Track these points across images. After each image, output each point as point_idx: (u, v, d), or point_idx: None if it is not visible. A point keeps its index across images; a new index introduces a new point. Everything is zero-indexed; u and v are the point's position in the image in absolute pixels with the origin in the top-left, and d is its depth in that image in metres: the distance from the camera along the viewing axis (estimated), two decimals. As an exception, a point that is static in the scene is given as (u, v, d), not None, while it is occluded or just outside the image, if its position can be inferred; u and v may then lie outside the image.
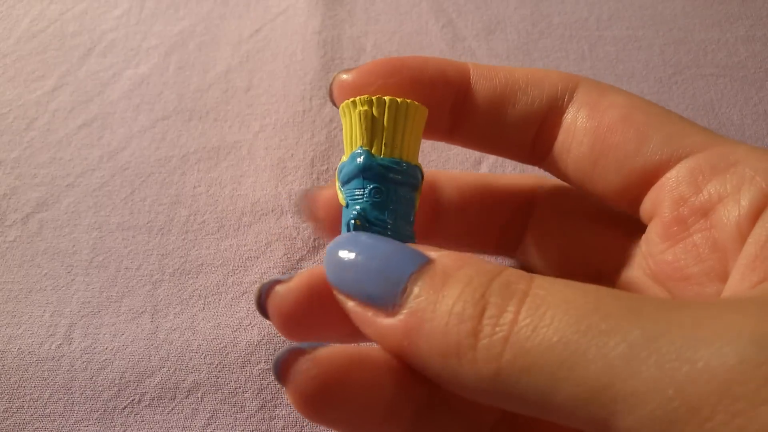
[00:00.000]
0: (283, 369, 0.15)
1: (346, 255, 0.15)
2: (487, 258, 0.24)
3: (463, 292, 0.14)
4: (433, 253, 0.15)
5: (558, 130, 0.19)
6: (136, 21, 0.38)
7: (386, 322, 0.14)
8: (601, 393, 0.11)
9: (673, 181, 0.17)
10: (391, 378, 0.15)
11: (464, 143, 0.21)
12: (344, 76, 0.19)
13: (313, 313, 0.16)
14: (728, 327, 0.11)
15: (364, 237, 0.16)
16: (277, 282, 0.17)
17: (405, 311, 0.14)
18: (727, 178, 0.16)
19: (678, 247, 0.17)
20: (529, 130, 0.19)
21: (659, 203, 0.17)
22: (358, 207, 0.17)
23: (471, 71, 0.20)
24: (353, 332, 0.16)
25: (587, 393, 0.11)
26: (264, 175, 0.32)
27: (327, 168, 0.32)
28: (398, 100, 0.18)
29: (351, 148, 0.18)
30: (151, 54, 0.37)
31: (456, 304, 0.13)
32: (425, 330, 0.14)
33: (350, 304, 0.15)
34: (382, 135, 0.18)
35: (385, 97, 0.18)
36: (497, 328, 0.13)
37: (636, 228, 0.19)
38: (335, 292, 0.16)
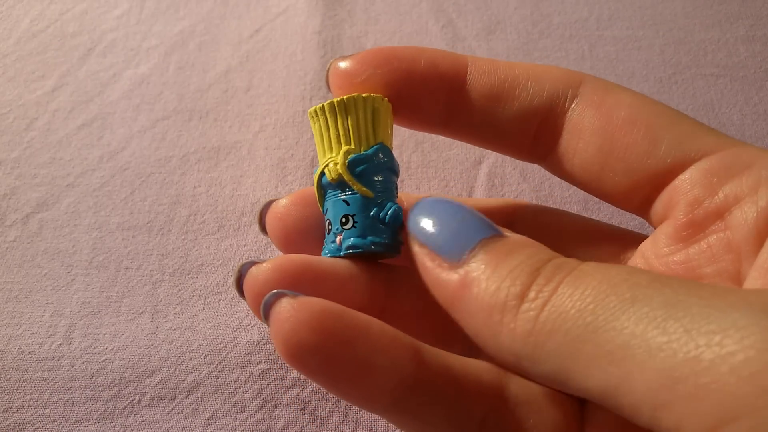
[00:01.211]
0: (266, 309, 0.16)
1: (428, 212, 0.17)
2: None
3: (522, 262, 0.15)
4: (507, 232, 0.16)
5: (561, 128, 0.19)
6: (136, 21, 0.38)
7: (448, 273, 0.16)
8: (617, 353, 0.12)
9: (687, 183, 0.17)
10: (372, 338, 0.16)
11: (460, 137, 0.21)
12: (340, 64, 0.20)
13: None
14: (742, 299, 0.12)
15: (447, 201, 0.17)
16: (254, 263, 0.18)
17: (467, 267, 0.15)
18: (743, 180, 0.16)
19: (691, 248, 0.17)
20: (528, 127, 0.19)
21: (673, 206, 0.17)
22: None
23: (469, 65, 0.19)
24: None
25: (605, 354, 0.12)
26: (264, 175, 0.32)
27: (327, 168, 0.32)
28: (343, 99, 0.18)
29: (323, 151, 0.19)
30: (151, 54, 0.37)
31: (513, 270, 0.15)
32: (480, 287, 0.15)
33: (419, 251, 0.16)
34: (331, 138, 0.19)
35: (344, 98, 0.18)
36: (540, 294, 0.14)
37: (629, 240, 0.19)
38: (411, 241, 0.17)
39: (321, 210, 0.19)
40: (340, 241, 0.18)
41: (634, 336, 0.12)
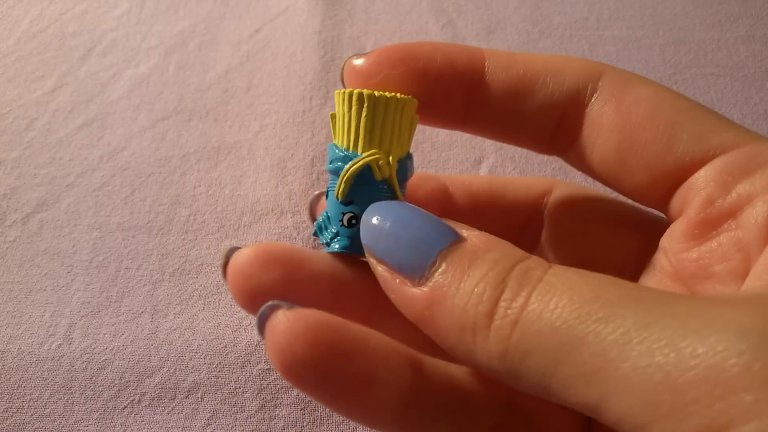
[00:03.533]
0: (261, 322, 0.15)
1: (381, 222, 0.16)
2: None
3: (486, 274, 0.14)
4: (465, 231, 0.16)
5: (581, 122, 0.18)
6: (136, 21, 0.38)
7: (412, 291, 0.15)
8: (595, 375, 0.12)
9: (702, 181, 0.16)
10: (371, 350, 0.15)
11: (479, 132, 0.20)
12: (355, 62, 0.19)
13: (262, 281, 0.17)
14: (717, 318, 0.11)
15: (399, 207, 0.16)
16: (238, 248, 0.18)
17: (431, 284, 0.15)
18: (756, 178, 0.16)
19: (703, 246, 0.17)
20: (548, 122, 0.19)
21: (687, 203, 0.17)
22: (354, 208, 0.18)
23: (486, 59, 0.19)
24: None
25: (583, 375, 0.12)
26: (264, 175, 0.32)
27: (327, 168, 0.32)
28: (397, 97, 0.18)
29: (343, 138, 0.18)
30: (151, 54, 0.37)
31: (479, 285, 0.14)
32: (447, 305, 0.14)
33: (380, 269, 0.16)
34: (379, 133, 0.18)
35: (384, 95, 0.18)
36: (509, 311, 0.13)
37: (653, 227, 0.19)
38: (367, 255, 0.16)
39: (337, 198, 0.18)
40: None
41: (609, 359, 0.12)
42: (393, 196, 0.18)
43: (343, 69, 0.19)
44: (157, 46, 0.37)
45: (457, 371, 0.17)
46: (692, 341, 0.11)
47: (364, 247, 0.16)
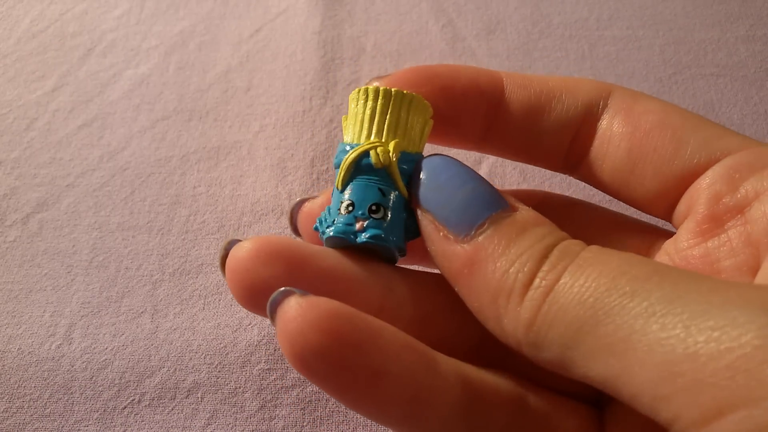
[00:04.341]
0: (272, 307, 0.15)
1: (437, 174, 0.17)
2: None
3: (532, 246, 0.15)
4: (516, 203, 0.16)
5: (592, 137, 0.19)
6: (136, 21, 0.38)
7: (454, 246, 0.15)
8: (617, 347, 0.12)
9: (709, 179, 0.17)
10: (384, 343, 0.15)
11: (496, 152, 0.21)
12: (377, 84, 0.19)
13: (263, 276, 0.16)
14: (740, 295, 0.12)
15: (458, 164, 0.17)
16: (238, 241, 0.17)
17: (475, 243, 0.15)
18: (764, 175, 0.16)
19: (709, 243, 0.17)
20: (564, 139, 0.19)
21: (694, 202, 0.17)
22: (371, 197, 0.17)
23: (504, 80, 0.19)
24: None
25: (606, 347, 0.12)
26: (264, 175, 0.32)
27: (327, 168, 0.32)
28: (403, 91, 0.18)
29: (351, 132, 0.18)
30: (151, 54, 0.37)
31: (523, 255, 0.15)
32: (488, 267, 0.15)
33: (426, 219, 0.16)
34: (384, 124, 0.18)
35: (412, 94, 0.18)
36: (543, 282, 0.14)
37: (655, 235, 0.19)
38: (415, 203, 0.17)
39: (338, 188, 0.18)
40: (362, 227, 0.17)
41: (633, 331, 0.12)
42: (393, 187, 0.17)
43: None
44: (157, 46, 0.37)
45: (472, 371, 0.16)
46: (714, 315, 0.11)
47: (415, 196, 0.17)
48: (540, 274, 0.14)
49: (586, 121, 0.19)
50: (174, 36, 0.38)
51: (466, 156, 0.32)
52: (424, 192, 0.17)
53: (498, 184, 0.32)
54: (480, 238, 0.15)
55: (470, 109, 0.19)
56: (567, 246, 0.15)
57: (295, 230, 0.20)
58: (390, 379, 0.15)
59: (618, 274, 0.13)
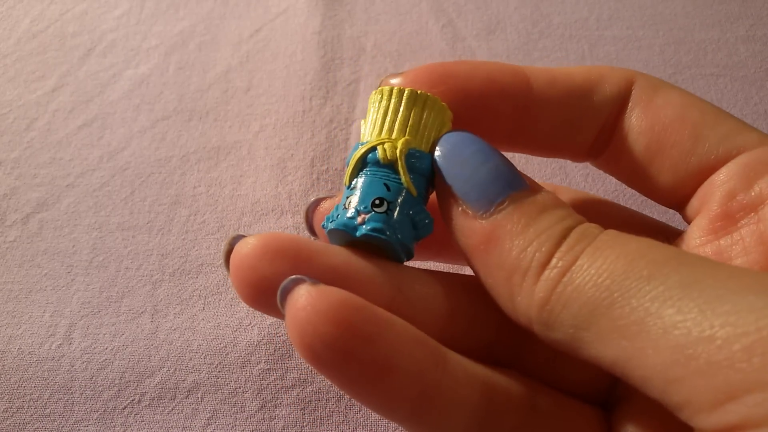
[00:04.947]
0: (282, 295, 0.15)
1: (460, 149, 0.16)
2: None
3: (551, 227, 0.15)
4: (537, 186, 0.16)
5: (614, 129, 0.19)
6: (136, 21, 0.38)
7: (473, 221, 0.15)
8: (631, 329, 0.12)
9: (724, 176, 0.17)
10: (395, 337, 0.14)
11: (523, 149, 0.20)
12: (392, 81, 0.19)
13: (267, 274, 0.16)
14: (756, 282, 0.12)
15: (481, 142, 0.17)
16: (243, 237, 0.17)
17: (494, 220, 0.15)
18: None
19: (722, 240, 0.17)
20: (593, 131, 0.19)
21: (708, 198, 0.17)
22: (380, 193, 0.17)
23: (530, 77, 0.19)
24: None
25: (619, 328, 0.12)
26: (264, 175, 0.32)
27: (327, 168, 0.32)
28: (417, 91, 0.18)
29: (366, 132, 0.18)
30: (151, 54, 0.37)
31: (542, 235, 0.15)
32: (505, 245, 0.15)
33: (447, 191, 0.16)
34: (395, 122, 0.18)
35: (428, 94, 0.18)
36: (560, 263, 0.14)
37: (665, 232, 0.19)
38: (437, 176, 0.17)
39: (346, 184, 0.18)
40: (363, 220, 0.16)
41: (648, 313, 0.12)
42: (400, 183, 0.17)
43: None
44: (157, 46, 0.37)
45: (482, 371, 0.16)
46: (731, 300, 0.11)
47: (437, 168, 0.17)
48: (557, 255, 0.14)
49: (611, 114, 0.19)
50: (174, 36, 0.38)
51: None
52: (446, 165, 0.17)
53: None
54: (499, 215, 0.15)
55: (492, 110, 0.19)
56: (586, 228, 0.15)
57: (311, 230, 0.20)
58: (399, 373, 0.14)
59: (636, 257, 0.13)
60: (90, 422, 0.26)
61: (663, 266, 0.13)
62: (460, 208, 0.16)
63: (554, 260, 0.14)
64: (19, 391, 0.27)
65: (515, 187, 0.15)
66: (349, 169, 0.17)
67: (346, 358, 0.14)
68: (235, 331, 0.28)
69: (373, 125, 0.18)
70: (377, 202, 0.17)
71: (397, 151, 0.17)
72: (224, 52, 0.37)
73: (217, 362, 0.27)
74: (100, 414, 0.26)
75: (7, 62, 0.37)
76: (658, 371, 0.12)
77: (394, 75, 0.19)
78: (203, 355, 0.27)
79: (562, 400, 0.17)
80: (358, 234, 0.16)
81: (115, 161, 0.33)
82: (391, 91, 0.18)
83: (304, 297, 0.14)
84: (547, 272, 0.14)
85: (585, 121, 0.19)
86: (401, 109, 0.18)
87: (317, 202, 0.20)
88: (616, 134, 0.19)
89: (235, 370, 0.27)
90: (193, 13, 0.39)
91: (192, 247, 0.30)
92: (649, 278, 0.12)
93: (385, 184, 0.17)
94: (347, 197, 0.17)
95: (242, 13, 0.38)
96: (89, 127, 0.34)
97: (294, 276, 0.15)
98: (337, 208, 0.18)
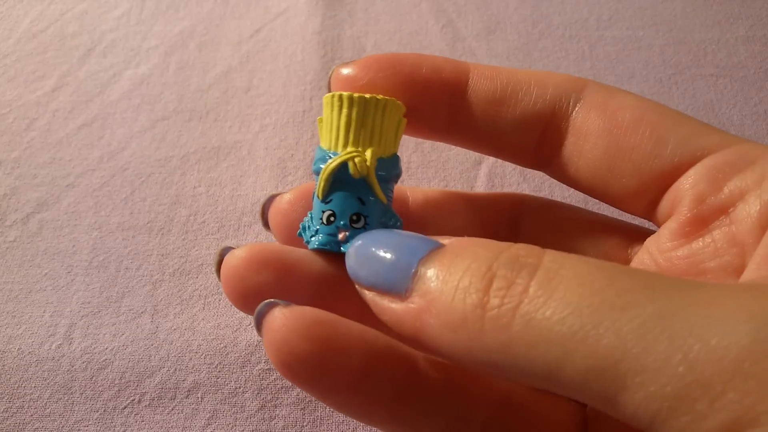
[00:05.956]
0: (258, 319, 0.16)
1: (362, 249, 0.16)
2: None
3: (468, 267, 0.14)
4: (446, 240, 0.15)
5: (565, 132, 0.18)
6: (136, 21, 0.38)
7: (400, 306, 0.15)
8: (611, 367, 0.11)
9: (692, 179, 0.17)
10: (367, 347, 0.15)
11: (462, 143, 0.20)
12: (343, 70, 0.19)
13: (254, 283, 0.17)
14: (743, 306, 0.11)
15: (376, 233, 0.17)
16: (232, 248, 0.18)
17: (416, 294, 0.14)
18: (747, 174, 0.16)
19: (694, 243, 0.17)
20: (531, 132, 0.19)
21: (677, 202, 0.17)
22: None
23: (471, 71, 0.19)
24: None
25: (597, 367, 0.11)
26: (264, 175, 0.32)
27: (327, 168, 0.32)
28: (377, 97, 0.18)
29: (327, 139, 0.19)
30: (151, 54, 0.37)
31: (462, 278, 0.13)
32: (434, 308, 0.14)
33: (369, 295, 0.16)
34: (360, 132, 0.18)
35: (366, 95, 0.18)
36: (506, 300, 0.13)
37: (634, 234, 0.19)
38: (356, 286, 0.16)
39: (318, 197, 0.19)
40: (344, 238, 0.18)
41: (627, 351, 0.11)
42: (372, 194, 0.18)
43: (330, 77, 0.20)
44: (157, 46, 0.37)
45: (452, 367, 0.17)
46: (718, 331, 0.11)
47: (352, 279, 0.16)
48: (496, 293, 0.13)
49: (555, 116, 0.18)
50: (174, 36, 0.38)
51: (467, 156, 0.32)
52: (357, 269, 0.16)
53: (498, 184, 0.32)
54: (418, 286, 0.14)
55: (432, 99, 0.19)
56: (513, 257, 0.13)
57: (266, 225, 0.21)
58: (373, 379, 0.15)
59: (602, 286, 0.12)
60: (90, 422, 0.26)
61: (636, 295, 0.12)
62: (386, 301, 0.15)
63: (495, 300, 0.13)
64: (19, 391, 0.27)
65: (421, 253, 0.15)
66: (321, 183, 0.18)
67: (322, 371, 0.15)
68: (235, 331, 0.28)
69: (338, 133, 0.18)
70: (354, 218, 0.18)
71: (368, 165, 0.18)
72: (224, 52, 0.37)
73: (217, 362, 0.27)
74: (100, 414, 0.26)
75: (7, 62, 0.37)
76: (647, 409, 0.11)
77: (345, 64, 0.19)
78: (203, 355, 0.27)
79: (537, 395, 0.17)
80: (342, 249, 0.18)
81: (115, 161, 0.33)
82: (351, 98, 0.18)
83: (278, 319, 0.15)
84: (491, 312, 0.13)
85: (519, 120, 0.19)
86: (364, 118, 0.18)
87: (271, 198, 0.21)
88: (569, 138, 0.18)
89: (235, 370, 0.27)
90: (193, 13, 0.39)
91: (192, 247, 0.30)
92: (623, 309, 0.11)
93: (359, 199, 0.18)
94: (323, 212, 0.18)
95: (242, 14, 0.38)
96: (89, 127, 0.34)
97: (268, 300, 0.16)
98: (312, 220, 0.19)
